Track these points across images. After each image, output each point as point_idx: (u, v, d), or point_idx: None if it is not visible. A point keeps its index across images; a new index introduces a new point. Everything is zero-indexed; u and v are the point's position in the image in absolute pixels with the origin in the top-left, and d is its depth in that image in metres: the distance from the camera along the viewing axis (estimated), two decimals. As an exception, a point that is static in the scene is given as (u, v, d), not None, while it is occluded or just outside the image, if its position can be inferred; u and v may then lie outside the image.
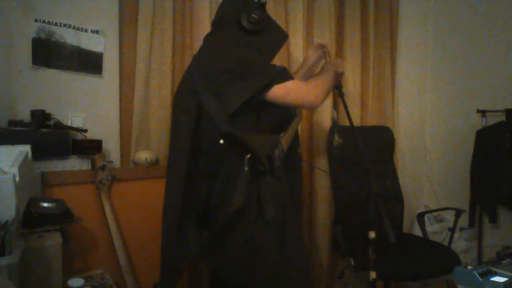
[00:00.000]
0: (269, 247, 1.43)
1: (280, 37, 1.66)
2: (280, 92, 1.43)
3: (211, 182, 1.48)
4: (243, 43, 1.48)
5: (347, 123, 2.47)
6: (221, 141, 1.43)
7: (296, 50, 2.35)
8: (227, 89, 1.40)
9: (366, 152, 1.55)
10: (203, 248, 1.55)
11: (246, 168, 1.37)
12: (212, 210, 1.50)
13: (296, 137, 1.63)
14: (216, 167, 1.46)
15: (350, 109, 1.75)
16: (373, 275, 1.42)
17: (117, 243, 1.73)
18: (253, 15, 1.47)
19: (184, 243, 1.52)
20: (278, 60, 2.24)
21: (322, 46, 1.85)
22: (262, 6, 1.51)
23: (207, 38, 1.60)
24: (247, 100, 1.38)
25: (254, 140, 1.41)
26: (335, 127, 1.83)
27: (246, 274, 1.43)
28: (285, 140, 1.50)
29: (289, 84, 1.46)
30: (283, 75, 1.47)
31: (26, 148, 1.47)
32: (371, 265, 1.42)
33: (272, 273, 1.41)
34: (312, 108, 1.58)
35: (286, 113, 1.60)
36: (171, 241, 1.52)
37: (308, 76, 1.89)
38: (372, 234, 1.41)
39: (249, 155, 1.37)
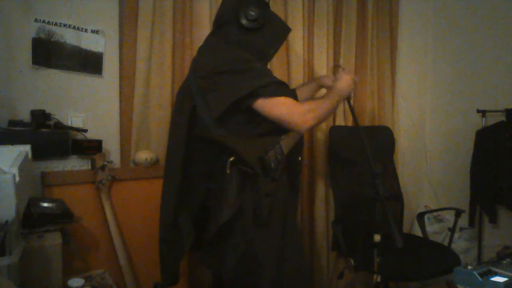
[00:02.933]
0: (270, 248, 1.43)
1: (281, 32, 1.61)
2: (265, 105, 1.38)
3: (208, 181, 1.49)
4: (243, 42, 1.46)
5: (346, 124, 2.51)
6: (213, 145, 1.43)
7: (295, 50, 2.35)
8: (213, 93, 1.38)
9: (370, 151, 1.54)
10: (203, 252, 1.55)
11: (228, 171, 1.36)
12: (211, 209, 1.50)
13: (300, 144, 1.60)
14: (211, 167, 1.46)
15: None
16: (377, 278, 1.42)
17: (117, 243, 1.73)
18: (251, 12, 1.44)
19: (178, 241, 1.52)
20: (277, 61, 2.25)
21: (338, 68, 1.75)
22: (261, 2, 1.48)
23: (207, 38, 1.60)
24: (235, 104, 1.36)
25: (240, 143, 1.39)
26: None
27: (247, 276, 1.43)
28: (285, 142, 1.49)
29: (278, 100, 1.38)
30: (275, 88, 1.39)
31: (26, 148, 1.47)
32: (376, 268, 1.41)
33: (273, 275, 1.41)
34: (297, 132, 1.49)
35: None
36: (167, 239, 1.52)
37: (311, 92, 1.86)
38: (377, 237, 1.41)
39: (232, 158, 1.36)
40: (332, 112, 1.54)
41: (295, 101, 1.42)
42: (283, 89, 1.45)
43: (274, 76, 1.46)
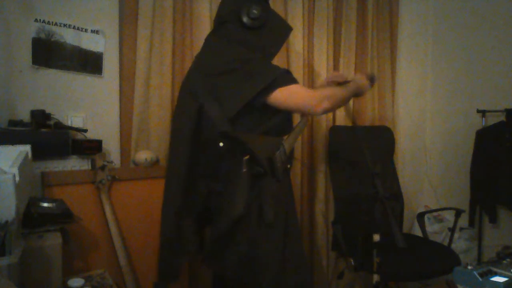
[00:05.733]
0: (271, 249, 1.42)
1: (283, 31, 1.61)
2: (281, 95, 1.39)
3: (211, 183, 1.48)
4: (244, 40, 1.46)
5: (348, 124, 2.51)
6: (221, 144, 1.42)
7: (296, 50, 2.35)
8: (226, 92, 1.38)
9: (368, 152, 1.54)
10: (205, 253, 1.55)
11: (244, 169, 1.35)
12: (213, 210, 1.50)
13: (291, 154, 1.59)
14: (216, 167, 1.46)
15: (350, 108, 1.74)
16: (376, 278, 1.42)
17: (117, 243, 1.73)
18: (253, 11, 1.43)
19: (182, 242, 1.51)
20: (278, 61, 2.24)
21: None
22: (261, 0, 1.48)
23: (208, 37, 1.59)
24: (249, 102, 1.36)
25: (254, 142, 1.39)
26: None
27: (249, 276, 1.42)
28: (288, 142, 1.49)
29: (292, 87, 1.41)
30: (285, 78, 1.42)
31: (26, 148, 1.47)
32: (375, 268, 1.41)
33: (274, 274, 1.41)
34: (312, 114, 1.59)
35: (291, 115, 1.59)
36: (170, 240, 1.52)
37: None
38: (376, 237, 1.41)
39: (247, 156, 1.36)
40: (347, 101, 1.62)
41: (304, 88, 1.50)
42: (292, 77, 1.47)
43: (280, 67, 1.48)
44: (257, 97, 1.37)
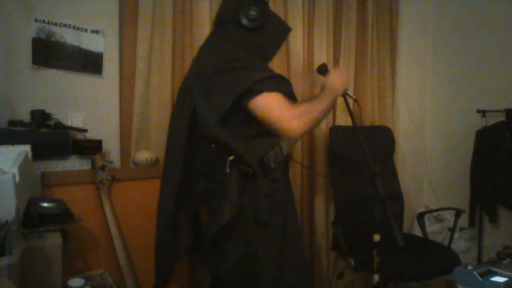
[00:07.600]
0: (269, 249, 1.42)
1: (282, 31, 1.60)
2: (259, 106, 1.33)
3: (206, 182, 1.48)
4: (243, 41, 1.45)
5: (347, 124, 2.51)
6: (213, 145, 1.42)
7: (296, 50, 2.35)
8: (215, 92, 1.37)
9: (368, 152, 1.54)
10: (203, 254, 1.55)
11: (228, 170, 1.34)
12: (211, 210, 1.50)
13: (286, 163, 1.57)
14: (211, 167, 1.46)
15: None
16: (376, 278, 1.42)
17: (117, 243, 1.73)
18: (251, 12, 1.43)
19: (176, 241, 1.51)
20: (278, 61, 2.25)
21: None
22: (260, 2, 1.48)
23: (208, 38, 1.59)
24: (236, 103, 1.34)
25: (240, 143, 1.38)
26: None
27: (247, 276, 1.42)
28: (285, 143, 1.48)
29: (274, 99, 1.32)
30: (274, 82, 1.35)
31: (26, 148, 1.47)
32: (375, 268, 1.41)
33: (272, 276, 1.41)
34: (289, 137, 1.43)
35: None
36: (164, 239, 1.52)
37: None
38: (376, 237, 1.41)
39: (231, 157, 1.35)
40: (327, 113, 1.50)
41: (288, 104, 1.35)
42: (282, 83, 1.42)
43: (273, 71, 1.44)
44: (241, 99, 1.34)
